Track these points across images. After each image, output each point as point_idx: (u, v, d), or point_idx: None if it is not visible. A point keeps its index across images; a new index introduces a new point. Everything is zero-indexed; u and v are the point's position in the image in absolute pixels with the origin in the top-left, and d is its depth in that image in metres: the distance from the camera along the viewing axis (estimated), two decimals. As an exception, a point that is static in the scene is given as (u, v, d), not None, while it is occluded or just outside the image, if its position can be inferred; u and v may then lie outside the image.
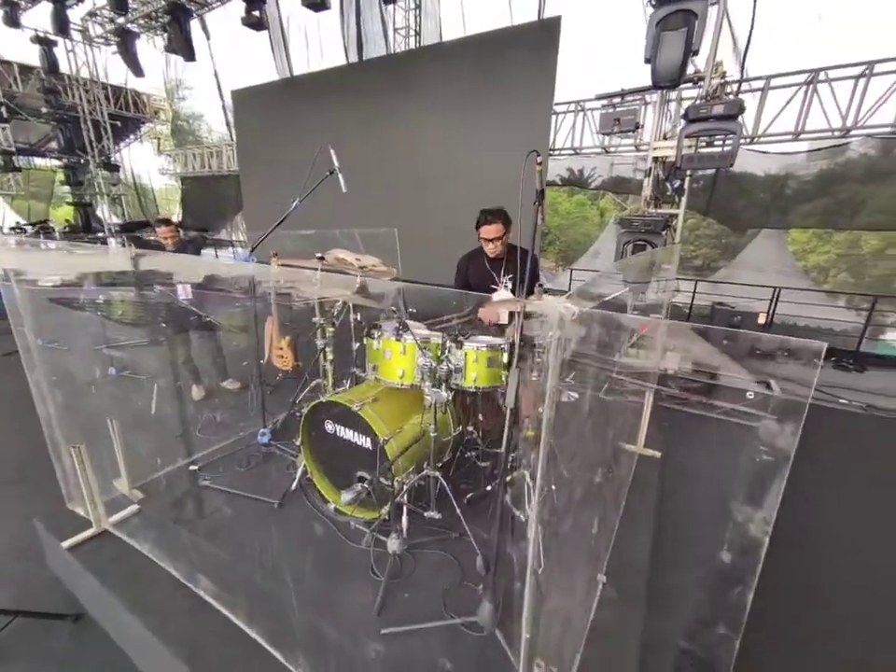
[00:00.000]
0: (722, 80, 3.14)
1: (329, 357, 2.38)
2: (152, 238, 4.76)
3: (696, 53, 3.23)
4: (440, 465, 2.06)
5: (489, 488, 2.11)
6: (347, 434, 2.01)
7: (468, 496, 2.16)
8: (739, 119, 3.13)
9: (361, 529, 1.99)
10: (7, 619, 1.56)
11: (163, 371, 3.49)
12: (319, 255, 2.47)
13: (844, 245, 11.99)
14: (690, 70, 3.41)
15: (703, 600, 1.52)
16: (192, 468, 2.44)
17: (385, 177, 7.52)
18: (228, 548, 1.89)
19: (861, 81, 5.26)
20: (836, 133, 5.68)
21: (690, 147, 3.51)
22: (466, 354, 1.82)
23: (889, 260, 11.41)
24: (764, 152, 5.80)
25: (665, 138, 3.86)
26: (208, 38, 10.30)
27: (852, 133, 5.56)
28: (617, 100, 3.93)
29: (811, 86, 5.49)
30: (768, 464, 0.96)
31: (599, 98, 4.08)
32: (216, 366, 3.89)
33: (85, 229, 10.40)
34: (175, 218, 3.87)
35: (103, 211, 10.42)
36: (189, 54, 7.95)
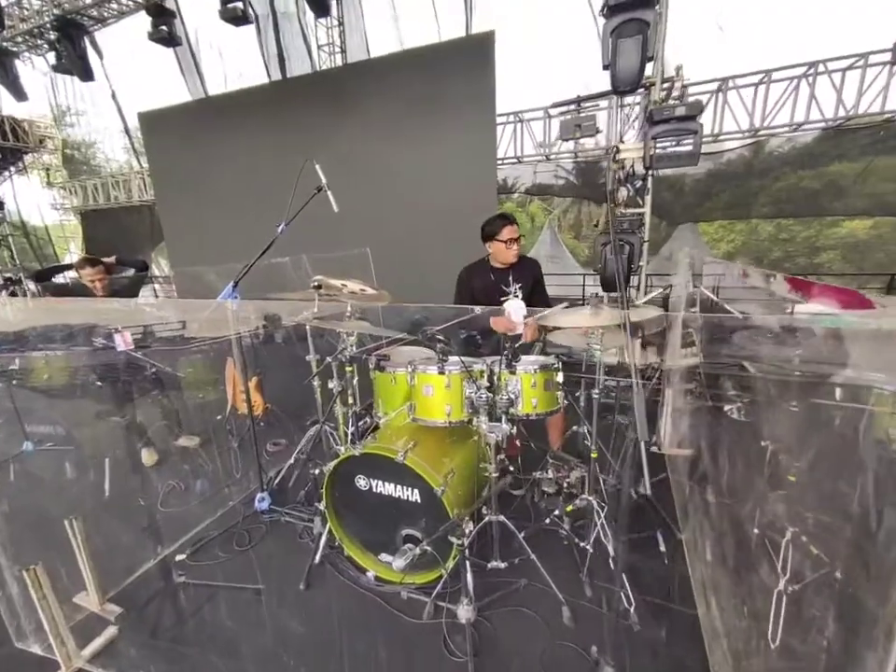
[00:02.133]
0: (683, 83, 3.30)
1: (349, 400, 2.05)
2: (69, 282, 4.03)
3: (651, 59, 3.37)
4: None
5: (547, 521, 1.90)
6: (387, 489, 1.72)
7: (520, 533, 1.95)
8: (698, 119, 3.30)
9: (417, 598, 1.69)
10: None
11: (102, 438, 2.90)
12: (315, 283, 2.16)
13: (745, 233, 13.51)
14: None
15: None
16: (179, 557, 1.97)
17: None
18: (258, 656, 1.50)
19: (762, 87, 5.94)
20: (746, 134, 6.35)
21: (649, 148, 3.65)
22: (521, 378, 1.63)
23: (781, 244, 13.03)
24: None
25: (621, 141, 3.99)
26: (101, 57, 9.28)
27: (760, 133, 6.24)
28: (570, 107, 4.02)
29: (721, 92, 6.09)
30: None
31: (556, 105, 4.15)
32: (168, 421, 3.33)
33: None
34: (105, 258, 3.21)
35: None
36: (86, 73, 7.05)
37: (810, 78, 5.83)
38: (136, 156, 11.20)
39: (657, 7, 3.25)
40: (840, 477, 1.08)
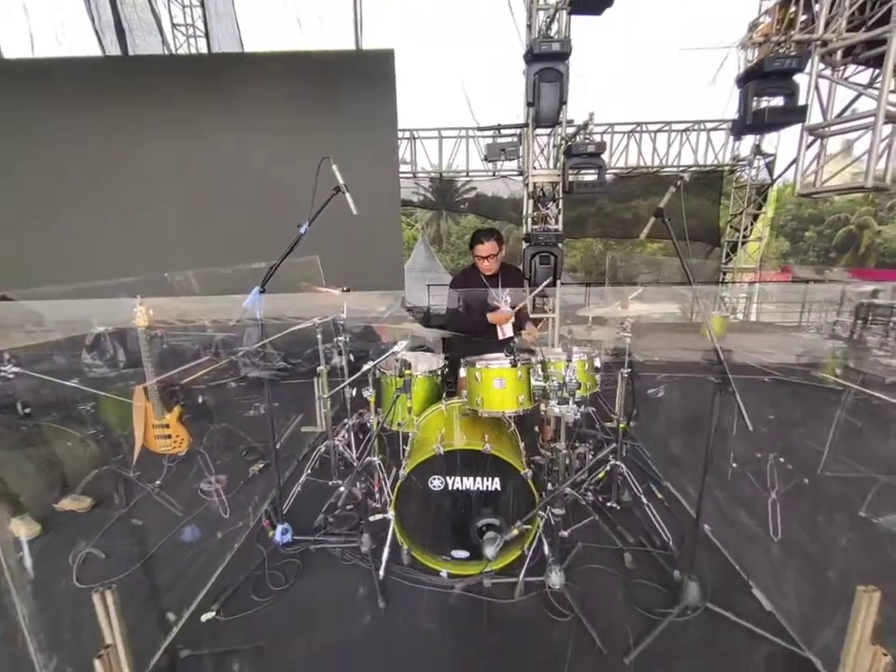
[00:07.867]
0: (594, 124, 4.07)
1: (409, 404, 1.99)
2: None
3: (565, 103, 4.06)
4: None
5: (591, 487, 2.19)
6: (465, 483, 1.77)
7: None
8: (602, 155, 4.10)
9: (499, 582, 1.78)
10: None
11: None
12: (346, 288, 2.05)
13: (582, 250, 16.57)
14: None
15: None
16: (207, 616, 1.62)
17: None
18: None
19: (607, 136, 7.55)
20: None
21: (559, 175, 4.37)
22: (577, 365, 1.89)
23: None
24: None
25: (534, 168, 4.66)
26: None
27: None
28: (491, 132, 4.51)
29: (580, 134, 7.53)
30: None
31: (480, 130, 4.60)
32: (45, 479, 2.61)
33: None
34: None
35: None
36: None
37: (637, 135, 7.65)
38: None
39: (567, 62, 3.94)
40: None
